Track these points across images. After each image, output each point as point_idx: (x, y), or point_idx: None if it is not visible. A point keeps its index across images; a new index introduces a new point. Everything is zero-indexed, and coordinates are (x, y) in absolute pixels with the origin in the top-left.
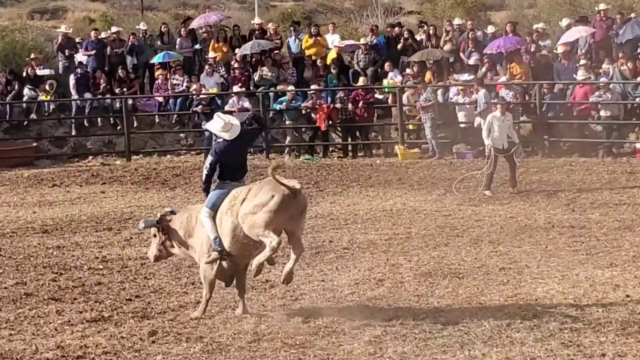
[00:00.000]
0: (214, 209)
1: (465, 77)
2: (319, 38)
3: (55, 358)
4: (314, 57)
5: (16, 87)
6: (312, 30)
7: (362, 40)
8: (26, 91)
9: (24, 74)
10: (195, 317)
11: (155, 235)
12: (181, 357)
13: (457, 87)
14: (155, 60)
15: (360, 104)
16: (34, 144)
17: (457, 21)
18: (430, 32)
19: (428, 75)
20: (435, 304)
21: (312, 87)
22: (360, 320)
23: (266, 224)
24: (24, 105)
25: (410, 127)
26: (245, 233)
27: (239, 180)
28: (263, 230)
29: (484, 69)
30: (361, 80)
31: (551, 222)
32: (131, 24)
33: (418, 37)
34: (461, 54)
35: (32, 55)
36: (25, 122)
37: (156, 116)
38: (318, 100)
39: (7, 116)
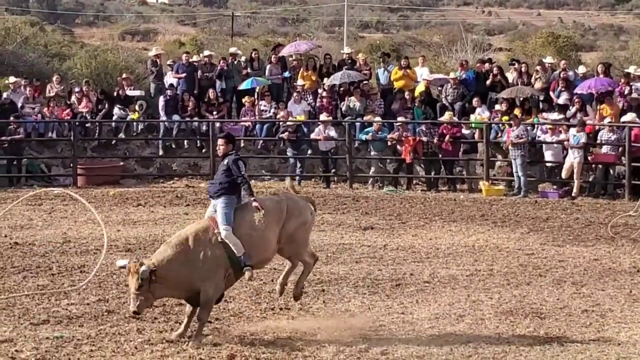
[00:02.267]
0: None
1: (554, 116)
2: (408, 70)
3: None
4: (402, 89)
5: (106, 106)
6: (402, 62)
7: (452, 75)
8: (116, 111)
9: (115, 93)
10: (197, 345)
11: (140, 287)
12: None
13: (545, 126)
14: (244, 86)
15: (447, 138)
16: (121, 163)
17: (548, 59)
18: (522, 69)
19: (517, 113)
20: (515, 343)
21: (399, 119)
22: (439, 355)
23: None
24: (113, 124)
25: (498, 163)
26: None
27: None
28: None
29: (573, 109)
30: (447, 115)
31: (636, 267)
32: (220, 49)
33: (508, 74)
34: (551, 93)
35: (123, 76)
36: (114, 141)
37: (242, 141)
38: (404, 133)
39: (96, 134)
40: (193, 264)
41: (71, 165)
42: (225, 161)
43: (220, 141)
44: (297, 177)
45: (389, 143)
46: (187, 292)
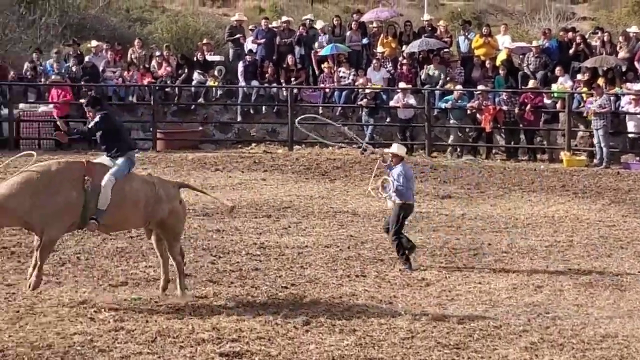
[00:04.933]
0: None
1: (638, 86)
2: (489, 39)
3: (211, 339)
4: (483, 58)
5: (186, 71)
6: (483, 30)
7: (534, 43)
8: (195, 76)
9: (195, 59)
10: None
11: None
12: (334, 348)
13: (629, 96)
14: (324, 52)
15: (528, 107)
16: (200, 128)
17: (633, 29)
18: (605, 38)
19: (600, 82)
20: (594, 315)
21: (480, 87)
22: (516, 326)
23: None
24: (193, 89)
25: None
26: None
27: None
28: None
29: None
30: (531, 83)
31: None
32: (300, 15)
33: (592, 43)
34: (635, 63)
35: (204, 41)
36: (193, 106)
37: (320, 107)
38: (484, 101)
39: (176, 99)
40: (43, 197)
41: (150, 129)
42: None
43: (86, 109)
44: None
45: (469, 112)
46: (24, 222)
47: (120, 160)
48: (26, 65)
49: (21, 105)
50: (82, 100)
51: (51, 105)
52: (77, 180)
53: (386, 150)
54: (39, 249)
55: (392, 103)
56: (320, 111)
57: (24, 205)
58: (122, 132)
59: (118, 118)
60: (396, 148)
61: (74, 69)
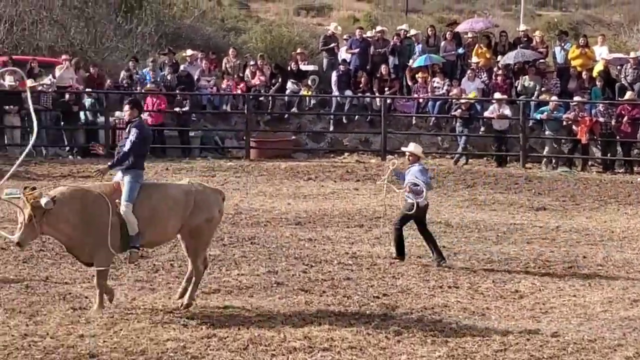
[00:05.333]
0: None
1: None
2: (586, 49)
3: (302, 348)
4: (579, 69)
5: (280, 80)
6: (580, 41)
7: (632, 54)
8: (289, 85)
9: (288, 68)
10: (98, 313)
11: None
12: (426, 359)
13: None
14: (417, 63)
15: (625, 119)
16: (293, 137)
17: None
18: None
19: None
20: None
21: (576, 98)
22: (611, 340)
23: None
24: (286, 98)
25: None
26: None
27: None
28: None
29: None
30: (628, 95)
31: None
32: (394, 25)
33: None
34: None
35: (297, 50)
36: (286, 115)
37: (413, 118)
38: (580, 113)
39: (269, 108)
40: (86, 219)
41: (244, 138)
42: (127, 128)
43: (126, 107)
44: (466, 156)
45: (565, 123)
46: (70, 241)
47: (126, 181)
48: (122, 73)
49: (117, 113)
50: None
51: (146, 114)
52: (112, 204)
53: (403, 148)
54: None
55: (486, 114)
56: (414, 121)
57: (75, 223)
58: (145, 148)
59: (213, 126)
60: (413, 147)
61: (169, 77)
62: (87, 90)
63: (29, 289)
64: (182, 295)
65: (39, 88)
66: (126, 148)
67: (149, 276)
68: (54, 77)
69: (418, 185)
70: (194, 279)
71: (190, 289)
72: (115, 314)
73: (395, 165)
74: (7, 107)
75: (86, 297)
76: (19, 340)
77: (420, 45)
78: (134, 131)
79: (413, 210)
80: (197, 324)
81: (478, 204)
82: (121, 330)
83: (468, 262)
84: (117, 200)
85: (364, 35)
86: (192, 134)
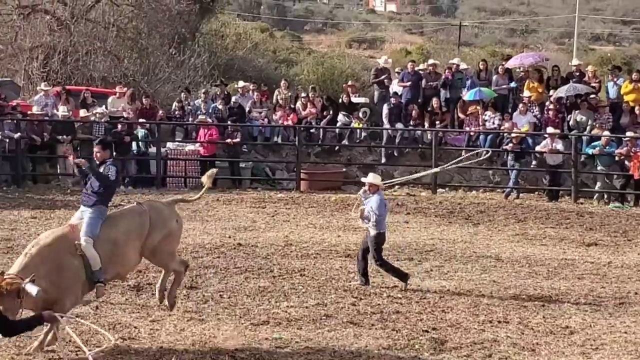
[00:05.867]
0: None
1: None
2: (639, 84)
3: None
4: (632, 104)
5: (331, 112)
6: (633, 76)
7: None
8: (340, 117)
9: (340, 100)
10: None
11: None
12: None
13: None
14: (468, 97)
15: None
16: (344, 169)
17: None
18: None
19: None
20: None
21: (628, 133)
22: None
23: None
24: (337, 130)
25: None
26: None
27: None
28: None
29: None
30: None
31: None
32: (447, 58)
33: None
34: None
35: (349, 83)
36: (337, 148)
37: (464, 151)
38: (633, 148)
39: (320, 140)
40: (54, 275)
41: (294, 169)
42: (102, 169)
43: (96, 148)
44: (517, 190)
45: (617, 158)
46: (44, 304)
47: (87, 214)
48: (174, 104)
49: (169, 144)
50: (100, 140)
51: (198, 145)
52: (71, 247)
53: (363, 179)
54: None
55: (538, 148)
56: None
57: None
58: (114, 188)
59: (264, 157)
60: (372, 177)
61: (220, 107)
62: (139, 120)
63: (79, 317)
64: (162, 299)
65: (92, 118)
66: (106, 183)
67: (198, 307)
68: (106, 107)
69: (370, 214)
70: (174, 278)
71: (171, 287)
72: (164, 345)
73: (361, 197)
74: (60, 137)
75: (135, 327)
76: None
77: (470, 79)
78: (113, 169)
79: (380, 239)
80: (245, 356)
81: (529, 238)
82: None
83: (518, 296)
84: (76, 242)
85: (416, 68)
86: (242, 165)
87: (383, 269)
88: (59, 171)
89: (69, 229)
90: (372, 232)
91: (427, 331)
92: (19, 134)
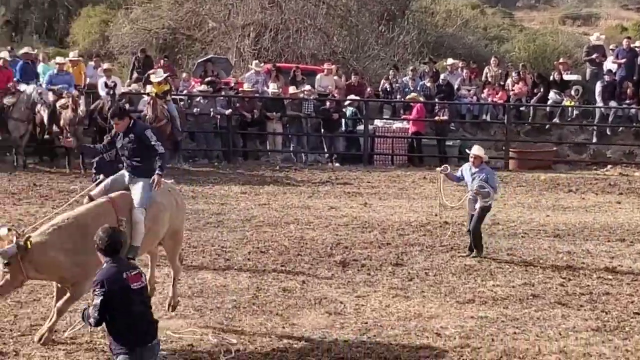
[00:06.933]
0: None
1: None
2: None
3: None
4: None
5: (542, 90)
6: None
7: None
8: (551, 95)
9: (551, 77)
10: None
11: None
12: None
13: None
14: None
15: None
16: (554, 148)
17: None
18: None
19: None
20: None
21: None
22: None
23: None
24: (548, 109)
25: None
26: None
27: None
28: None
29: None
30: None
31: None
32: None
33: None
34: None
35: (561, 60)
36: (547, 126)
37: None
38: None
39: (530, 118)
40: (79, 252)
41: (503, 148)
42: (131, 135)
43: (113, 121)
44: None
45: None
46: (61, 278)
47: (140, 184)
48: (383, 82)
49: (376, 122)
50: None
51: (405, 122)
52: (113, 222)
53: (468, 151)
54: (64, 301)
55: None
56: None
57: (66, 264)
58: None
59: (472, 135)
60: (476, 149)
61: (429, 85)
62: (347, 98)
63: (286, 292)
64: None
65: (301, 95)
66: (161, 149)
67: (404, 284)
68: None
69: (485, 189)
70: (173, 276)
71: (172, 288)
72: (369, 320)
73: (443, 177)
74: (269, 113)
75: (341, 302)
76: (275, 342)
77: None
78: (151, 134)
79: (487, 210)
80: (450, 333)
81: None
82: (375, 336)
83: None
84: (118, 217)
85: (632, 45)
86: (449, 143)
87: (472, 236)
88: (268, 147)
89: (109, 204)
90: (482, 204)
91: (638, 313)
92: (230, 110)
